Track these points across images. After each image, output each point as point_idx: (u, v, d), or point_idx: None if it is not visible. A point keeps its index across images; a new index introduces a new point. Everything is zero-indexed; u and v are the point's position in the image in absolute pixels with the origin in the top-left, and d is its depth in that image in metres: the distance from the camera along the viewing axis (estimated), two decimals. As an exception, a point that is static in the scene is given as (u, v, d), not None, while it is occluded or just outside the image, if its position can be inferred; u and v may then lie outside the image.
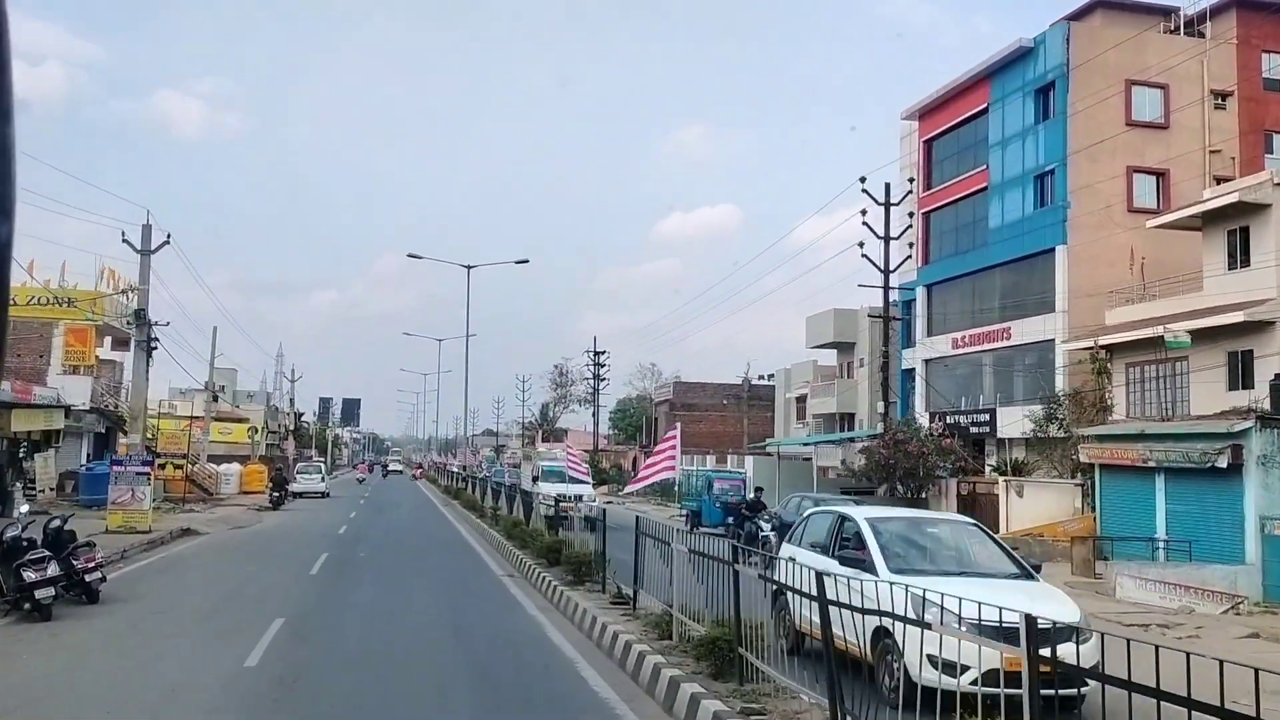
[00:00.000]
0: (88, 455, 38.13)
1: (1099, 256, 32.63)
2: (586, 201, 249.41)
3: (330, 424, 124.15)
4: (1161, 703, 4.58)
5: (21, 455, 31.50)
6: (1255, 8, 34.75)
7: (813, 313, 55.24)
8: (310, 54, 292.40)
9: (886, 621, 7.19)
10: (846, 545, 10.28)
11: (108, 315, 38.44)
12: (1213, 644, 12.48)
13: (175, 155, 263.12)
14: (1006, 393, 36.22)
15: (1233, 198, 26.05)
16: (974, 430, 36.39)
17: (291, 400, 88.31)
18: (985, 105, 38.26)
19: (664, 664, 9.44)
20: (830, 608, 7.28)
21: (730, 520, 30.95)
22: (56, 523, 14.74)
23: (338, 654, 11.23)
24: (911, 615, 6.59)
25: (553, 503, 24.92)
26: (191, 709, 8.68)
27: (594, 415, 76.06)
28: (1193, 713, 4.39)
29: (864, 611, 7.17)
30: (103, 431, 40.34)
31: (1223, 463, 19.38)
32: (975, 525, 10.97)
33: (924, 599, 6.37)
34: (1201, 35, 35.19)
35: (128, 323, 32.20)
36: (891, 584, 7.21)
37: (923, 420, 37.52)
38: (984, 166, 38.17)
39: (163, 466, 38.85)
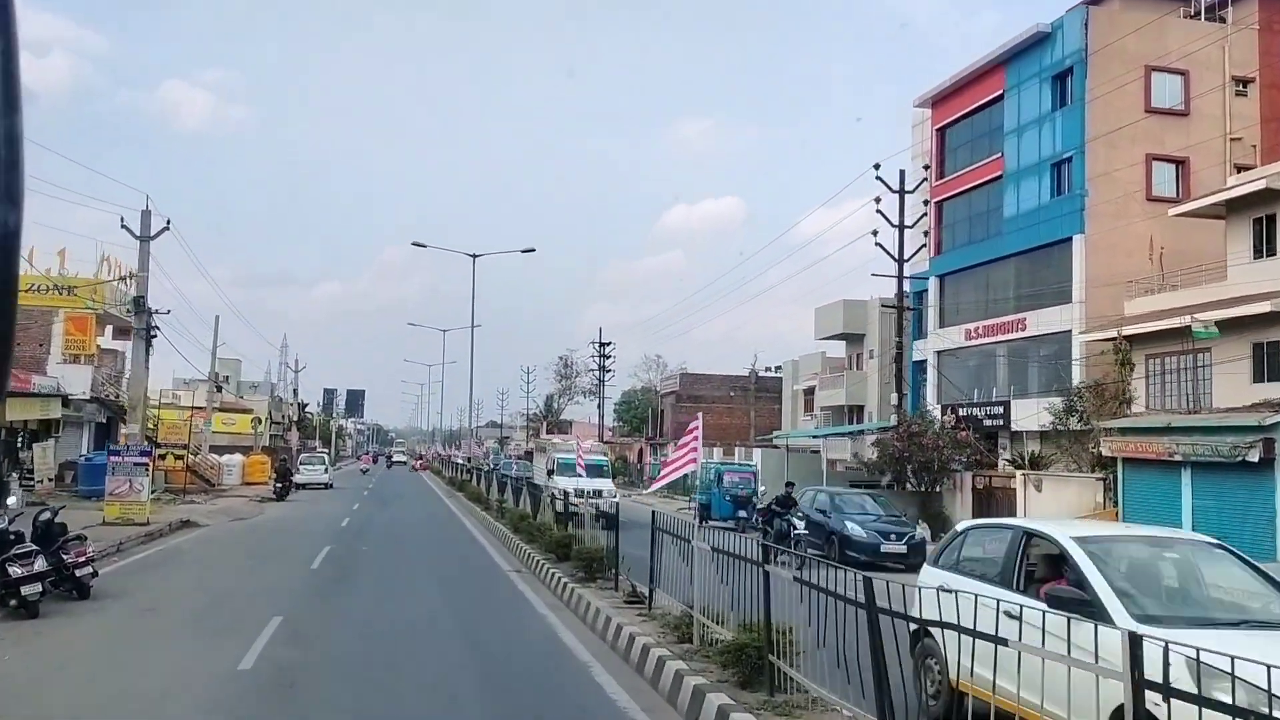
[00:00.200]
0: (88, 446, 37.59)
1: (1117, 245, 31.94)
2: (591, 195, 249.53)
3: (334, 415, 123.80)
4: None
5: (19, 445, 30.97)
6: (1278, -8, 34.03)
7: (819, 304, 54.68)
8: (315, 47, 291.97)
9: (1155, 696, 4.66)
10: (1039, 574, 7.90)
11: (108, 303, 37.87)
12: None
13: (180, 148, 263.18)
14: (1021, 385, 35.55)
15: (1260, 184, 25.39)
16: (987, 423, 35.74)
17: (295, 391, 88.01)
18: (1001, 92, 37.49)
19: (686, 671, 8.79)
20: (1047, 662, 5.37)
21: (741, 514, 30.39)
22: (46, 515, 14.22)
23: (337, 656, 10.62)
24: (1188, 688, 4.54)
25: (570, 495, 22.38)
26: (179, 720, 8.08)
27: (599, 407, 75.37)
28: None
29: (1102, 674, 5.03)
30: (104, 422, 39.79)
31: (1254, 456, 18.82)
32: (1221, 547, 7.99)
33: (1232, 672, 4.29)
34: (1223, 20, 34.43)
35: (127, 311, 31.67)
36: (1146, 638, 4.76)
37: (934, 412, 36.96)
38: (999, 154, 37.42)
39: (163, 457, 38.35)
